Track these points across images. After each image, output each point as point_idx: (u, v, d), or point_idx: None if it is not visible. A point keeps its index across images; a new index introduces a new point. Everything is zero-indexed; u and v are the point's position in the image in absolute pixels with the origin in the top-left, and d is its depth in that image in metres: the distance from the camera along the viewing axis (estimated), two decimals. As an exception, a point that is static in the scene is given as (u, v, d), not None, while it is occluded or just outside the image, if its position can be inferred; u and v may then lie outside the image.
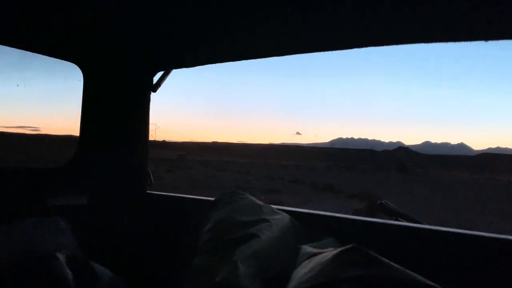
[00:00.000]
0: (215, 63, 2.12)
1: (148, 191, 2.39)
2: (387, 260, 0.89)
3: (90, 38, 1.96)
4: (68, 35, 1.91)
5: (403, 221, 1.68)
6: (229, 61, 2.06)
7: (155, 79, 2.34)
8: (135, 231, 2.17)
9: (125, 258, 1.99)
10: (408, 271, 0.86)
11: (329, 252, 1.00)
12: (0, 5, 1.56)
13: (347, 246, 0.95)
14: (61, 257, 1.20)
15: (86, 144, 2.19)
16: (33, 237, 1.52)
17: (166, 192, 2.37)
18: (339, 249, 0.97)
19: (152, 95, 2.38)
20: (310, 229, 1.60)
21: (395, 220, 1.73)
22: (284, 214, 1.61)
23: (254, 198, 1.71)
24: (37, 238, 1.52)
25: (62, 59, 2.07)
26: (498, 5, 1.19)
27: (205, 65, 2.17)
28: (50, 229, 1.59)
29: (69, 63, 2.10)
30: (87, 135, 2.20)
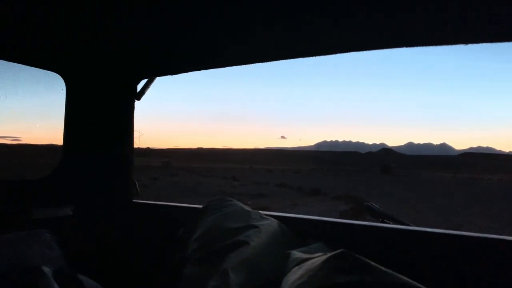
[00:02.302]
0: (198, 70, 2.12)
1: (134, 200, 2.36)
2: (375, 264, 0.89)
3: (72, 47, 1.94)
4: (50, 44, 1.88)
5: (389, 223, 1.70)
6: (212, 68, 2.07)
7: (139, 87, 2.33)
8: (122, 242, 2.14)
9: (112, 270, 1.96)
10: (398, 275, 0.87)
11: (319, 258, 1.00)
12: None
13: (336, 252, 0.96)
14: (47, 270, 1.17)
15: (69, 154, 2.16)
16: (17, 251, 1.49)
17: (151, 201, 2.35)
18: (328, 255, 0.97)
19: (136, 102, 2.36)
20: (298, 233, 1.61)
21: (381, 222, 1.75)
22: (272, 219, 1.61)
23: (241, 204, 1.71)
24: (22, 252, 1.49)
25: (44, 68, 2.04)
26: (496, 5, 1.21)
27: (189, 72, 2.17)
28: (35, 242, 1.56)
29: (51, 72, 2.08)
30: (71, 144, 2.16)
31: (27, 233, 1.61)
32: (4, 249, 1.47)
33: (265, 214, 1.67)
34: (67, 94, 2.14)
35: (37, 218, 1.90)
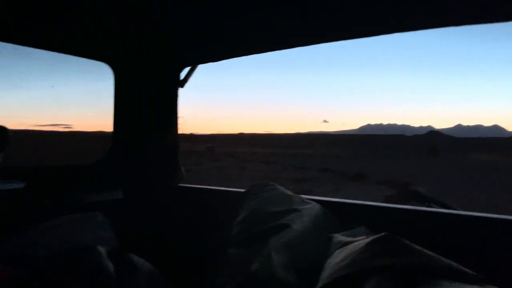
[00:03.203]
0: (240, 56, 2.14)
1: (180, 184, 2.44)
2: (419, 248, 0.89)
3: (119, 37, 2.01)
4: (98, 35, 1.97)
5: (436, 207, 1.66)
6: (251, 54, 2.08)
7: (182, 74, 2.39)
8: (169, 224, 2.23)
9: (160, 250, 2.05)
10: (442, 258, 0.85)
11: (361, 241, 1.00)
12: (31, 9, 1.62)
13: (379, 235, 0.95)
14: (102, 250, 1.25)
15: (119, 140, 2.26)
16: (74, 232, 1.59)
17: (196, 184, 2.42)
18: (371, 238, 0.97)
19: (180, 89, 2.43)
20: (340, 218, 1.61)
21: (427, 206, 1.71)
22: (314, 203, 1.61)
23: (283, 189, 1.72)
24: (78, 233, 1.59)
25: (92, 59, 2.14)
26: None
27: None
28: (90, 224, 1.66)
29: (100, 62, 2.17)
30: (120, 131, 2.26)
31: (83, 216, 1.71)
32: (62, 230, 1.58)
33: (307, 198, 1.68)
34: (115, 83, 2.23)
35: (90, 202, 2.01)
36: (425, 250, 0.88)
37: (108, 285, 1.14)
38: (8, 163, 1.77)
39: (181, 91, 2.42)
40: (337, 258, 1.00)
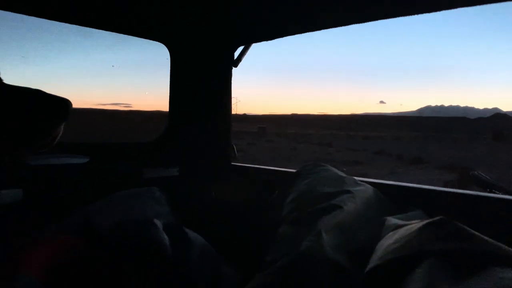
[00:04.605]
0: (294, 34, 2.11)
1: (232, 163, 2.49)
2: (478, 234, 0.84)
3: (175, 18, 2.06)
4: (155, 16, 2.02)
5: (498, 193, 1.56)
6: (308, 31, 2.04)
7: (236, 54, 2.40)
8: (222, 201, 2.29)
9: (213, 225, 2.11)
10: (503, 245, 0.81)
11: (415, 224, 0.97)
12: None
13: (435, 218, 0.92)
14: (158, 223, 1.31)
15: (175, 119, 2.33)
16: (132, 206, 1.67)
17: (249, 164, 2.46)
18: (426, 221, 0.94)
19: (233, 69, 2.45)
20: (395, 201, 1.56)
21: (489, 192, 1.62)
22: (368, 185, 1.58)
23: (336, 170, 1.70)
24: (136, 207, 1.67)
25: (150, 39, 2.20)
26: None
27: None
28: (147, 198, 1.74)
29: (157, 42, 2.23)
30: (176, 111, 2.33)
31: (141, 190, 1.80)
32: (122, 203, 1.67)
33: (360, 181, 1.64)
34: (171, 63, 2.29)
35: (148, 177, 2.11)
36: (484, 236, 0.83)
37: (163, 256, 1.19)
38: (73, 140, 1.89)
39: (234, 71, 2.45)
40: (390, 240, 0.98)
